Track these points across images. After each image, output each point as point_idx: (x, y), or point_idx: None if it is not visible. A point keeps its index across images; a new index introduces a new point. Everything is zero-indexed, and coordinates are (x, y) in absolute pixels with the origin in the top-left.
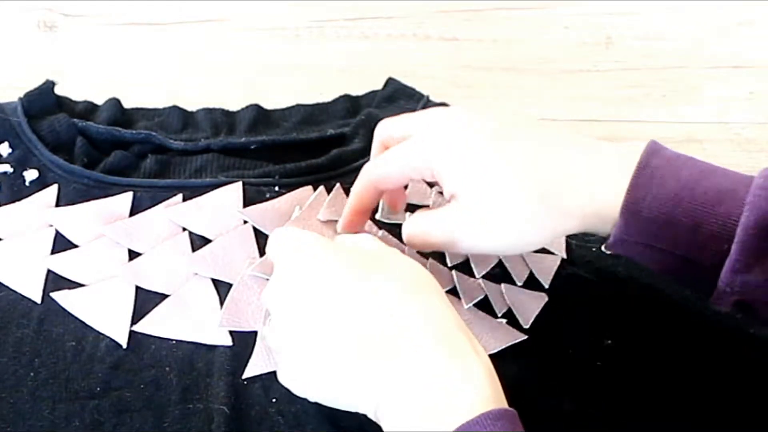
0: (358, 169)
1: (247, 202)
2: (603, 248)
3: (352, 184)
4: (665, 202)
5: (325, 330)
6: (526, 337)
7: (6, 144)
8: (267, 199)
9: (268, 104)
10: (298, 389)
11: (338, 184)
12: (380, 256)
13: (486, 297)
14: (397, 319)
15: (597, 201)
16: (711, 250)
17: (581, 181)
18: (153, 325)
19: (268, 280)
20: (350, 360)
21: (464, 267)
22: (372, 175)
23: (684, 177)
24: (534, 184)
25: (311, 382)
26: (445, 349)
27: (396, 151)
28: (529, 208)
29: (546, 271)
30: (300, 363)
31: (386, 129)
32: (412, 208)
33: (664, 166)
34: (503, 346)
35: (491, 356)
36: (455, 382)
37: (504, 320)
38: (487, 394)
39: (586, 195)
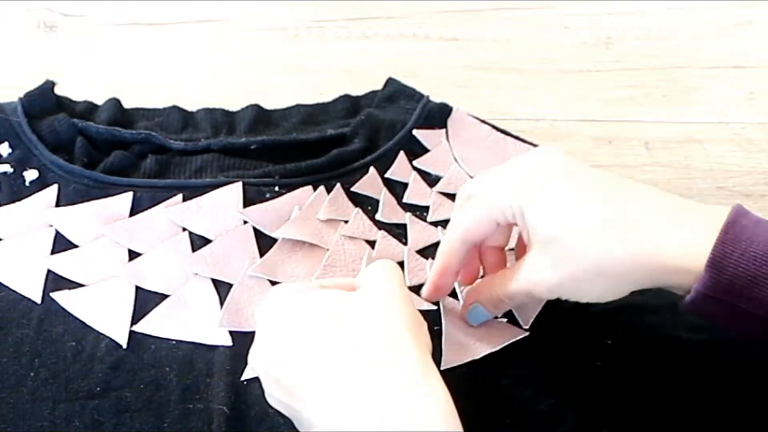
0: (357, 169)
1: (247, 202)
2: (680, 307)
3: (352, 184)
4: (753, 259)
5: (301, 386)
6: (527, 333)
7: (6, 144)
8: (267, 199)
9: (268, 104)
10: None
11: (338, 184)
12: (355, 311)
13: None
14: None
15: (683, 255)
16: None
17: (669, 236)
18: (153, 325)
19: (268, 281)
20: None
21: None
22: (459, 227)
23: None
24: (628, 237)
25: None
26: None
27: (481, 195)
28: (619, 260)
29: None
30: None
31: (471, 184)
32: (412, 208)
33: (752, 225)
34: (505, 343)
35: (493, 355)
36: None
37: (504, 319)
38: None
39: (673, 249)
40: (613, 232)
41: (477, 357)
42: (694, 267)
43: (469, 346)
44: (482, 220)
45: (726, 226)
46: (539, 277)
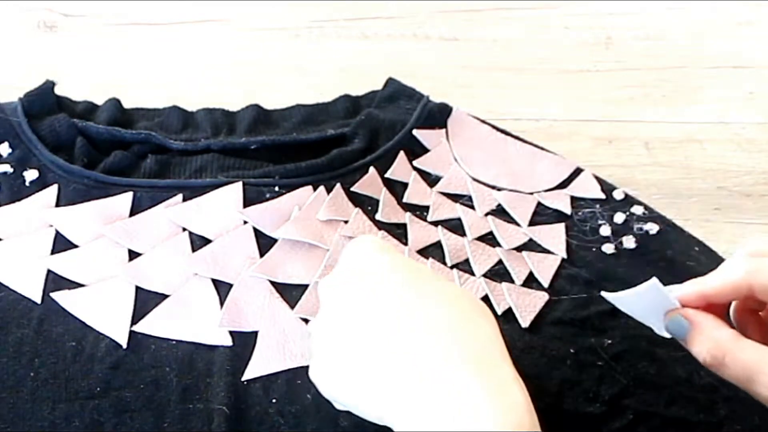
0: (357, 169)
1: (247, 202)
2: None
3: (352, 184)
4: None
5: (365, 338)
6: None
7: (6, 144)
8: (267, 199)
9: (268, 104)
10: (326, 389)
11: (338, 184)
12: (438, 279)
13: (486, 296)
14: (436, 338)
15: None
16: None
17: None
18: (153, 325)
19: (268, 281)
20: (380, 372)
21: (465, 266)
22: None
23: None
24: None
25: (340, 384)
26: (473, 367)
27: None
28: None
29: (546, 270)
30: (333, 364)
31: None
32: (412, 208)
33: None
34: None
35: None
36: (476, 398)
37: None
38: (513, 418)
39: None
40: None
41: None
42: None
43: None
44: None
45: None
46: None
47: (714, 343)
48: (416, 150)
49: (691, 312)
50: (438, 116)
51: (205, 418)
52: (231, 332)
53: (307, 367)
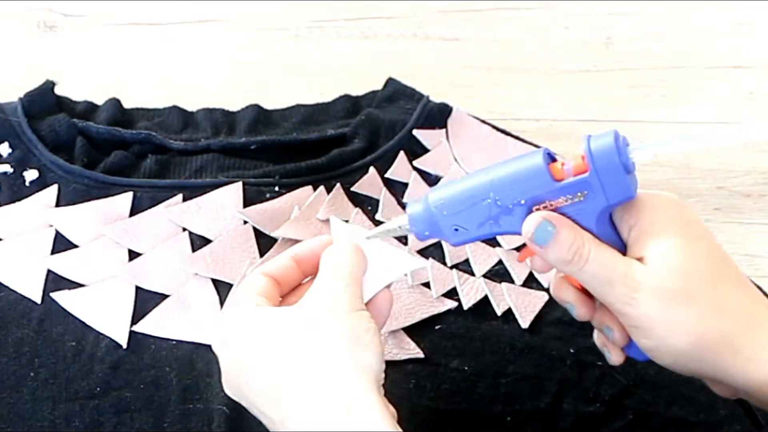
0: (357, 169)
1: (247, 202)
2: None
3: (352, 184)
4: None
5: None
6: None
7: (6, 144)
8: (267, 199)
9: (268, 104)
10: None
11: (338, 184)
12: (296, 332)
13: (486, 296)
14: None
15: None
16: None
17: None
18: (153, 325)
19: None
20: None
21: (465, 266)
22: None
23: None
24: (716, 323)
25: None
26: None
27: None
28: (696, 338)
29: None
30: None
31: None
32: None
33: None
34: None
35: (493, 353)
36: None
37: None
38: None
39: (759, 362)
40: (706, 349)
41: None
42: None
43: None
44: None
45: None
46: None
47: (580, 239)
48: (416, 150)
49: (556, 216)
50: (438, 116)
51: (205, 418)
52: None
53: None
